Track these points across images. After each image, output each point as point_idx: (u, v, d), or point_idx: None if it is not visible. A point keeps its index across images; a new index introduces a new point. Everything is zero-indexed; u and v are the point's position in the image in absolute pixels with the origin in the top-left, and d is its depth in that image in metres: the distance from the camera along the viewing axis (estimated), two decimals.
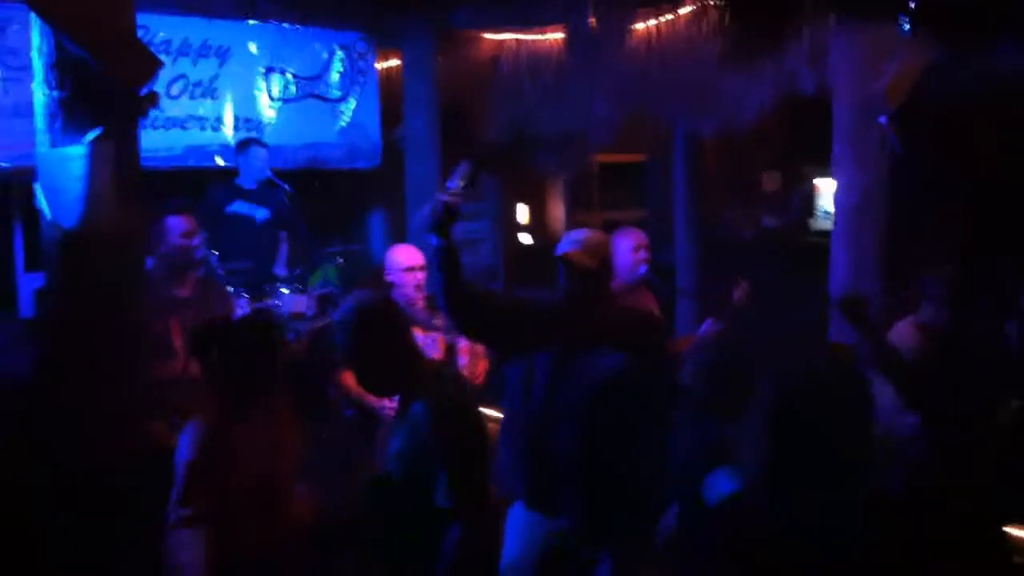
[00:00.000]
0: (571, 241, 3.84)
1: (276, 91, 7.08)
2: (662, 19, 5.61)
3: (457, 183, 3.55)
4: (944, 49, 4.86)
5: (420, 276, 5.18)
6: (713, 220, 8.99)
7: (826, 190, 8.84)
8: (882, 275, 5.44)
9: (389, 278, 5.26)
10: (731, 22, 5.06)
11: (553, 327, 3.74)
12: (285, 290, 6.14)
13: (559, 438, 3.59)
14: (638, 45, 5.84)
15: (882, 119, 5.17)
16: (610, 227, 6.11)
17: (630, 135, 7.35)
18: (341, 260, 7.15)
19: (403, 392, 3.16)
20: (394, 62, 7.50)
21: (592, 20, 4.94)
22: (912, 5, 4.56)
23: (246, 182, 6.55)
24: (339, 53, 7.27)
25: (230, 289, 5.54)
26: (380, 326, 3.13)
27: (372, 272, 5.24)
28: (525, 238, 9.18)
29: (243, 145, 6.59)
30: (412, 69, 6.93)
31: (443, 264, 3.56)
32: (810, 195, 9.28)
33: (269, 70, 7.03)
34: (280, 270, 6.70)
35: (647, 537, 3.78)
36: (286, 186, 6.48)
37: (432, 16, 6.64)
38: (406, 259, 5.27)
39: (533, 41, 6.54)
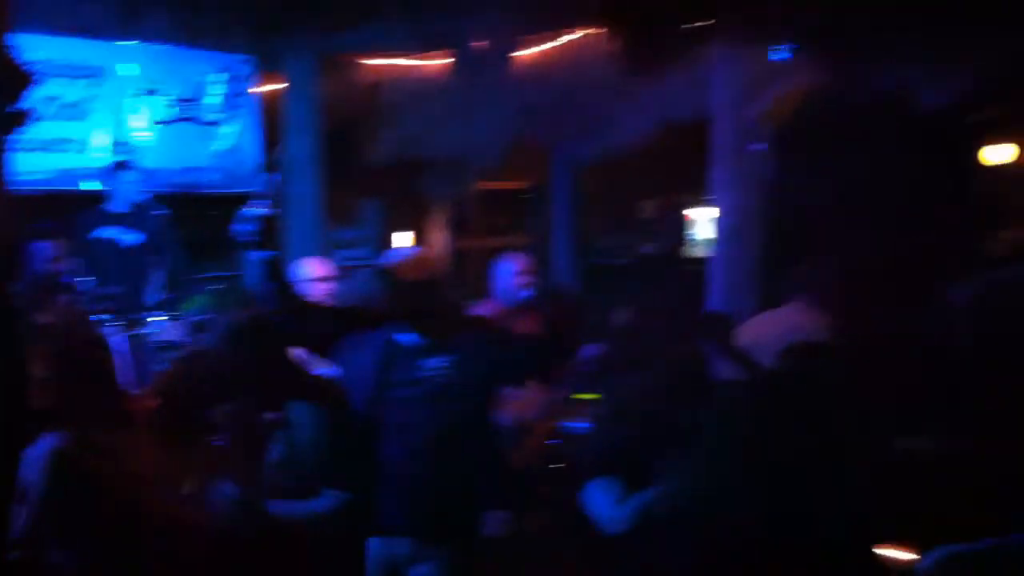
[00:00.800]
0: (394, 256, 3.98)
1: (153, 113, 6.88)
2: (546, 45, 5.67)
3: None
4: (822, 75, 5.04)
5: (330, 286, 5.18)
6: (592, 246, 9.11)
7: (699, 218, 9.07)
8: (759, 296, 5.58)
9: (298, 289, 5.21)
10: (614, 48, 5.13)
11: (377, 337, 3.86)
12: (157, 317, 5.94)
13: (388, 449, 3.68)
14: (522, 71, 5.88)
15: (760, 144, 5.34)
16: (492, 253, 6.13)
17: (512, 161, 7.39)
18: (217, 287, 6.96)
19: (287, 403, 3.17)
20: (276, 86, 7.38)
21: (477, 46, 4.96)
22: (791, 33, 4.72)
23: (117, 206, 6.33)
24: (219, 76, 7.11)
25: (99, 316, 5.35)
26: (260, 342, 3.13)
27: (248, 297, 5.15)
28: None
29: (115, 168, 6.38)
30: (294, 92, 6.83)
31: (272, 275, 3.79)
32: (683, 223, 9.50)
33: (146, 92, 6.83)
34: (152, 296, 6.48)
35: (475, 539, 3.91)
36: (161, 210, 6.29)
37: (315, 40, 6.56)
38: (314, 270, 5.23)
39: (417, 66, 6.53)
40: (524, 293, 5.76)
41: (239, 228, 3.78)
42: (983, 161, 11.02)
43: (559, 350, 4.08)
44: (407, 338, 3.87)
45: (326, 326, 3.96)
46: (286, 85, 6.92)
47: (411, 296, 3.87)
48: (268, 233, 3.79)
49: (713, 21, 4.51)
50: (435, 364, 3.85)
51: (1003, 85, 5.86)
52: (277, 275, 3.86)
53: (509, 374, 4.09)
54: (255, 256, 3.79)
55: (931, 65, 4.83)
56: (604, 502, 3.52)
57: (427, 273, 3.97)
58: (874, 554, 2.99)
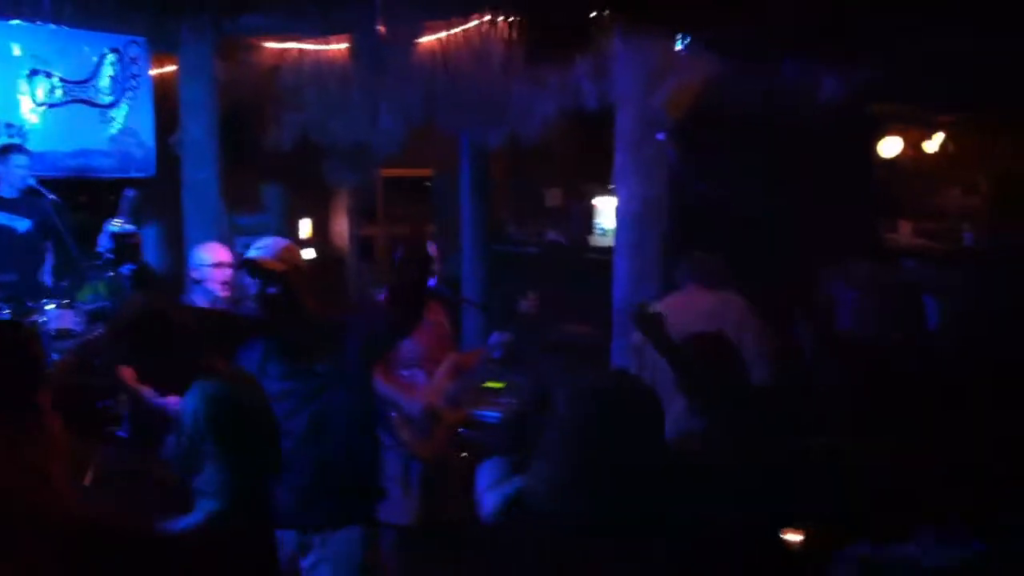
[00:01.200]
0: (258, 248, 3.95)
1: (41, 95, 6.61)
2: (450, 32, 5.62)
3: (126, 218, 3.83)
4: (722, 66, 5.11)
5: (227, 272, 5.08)
6: (499, 233, 9.10)
7: (604, 208, 9.14)
8: (664, 284, 5.64)
9: (195, 275, 5.10)
10: (518, 36, 5.12)
11: (250, 333, 3.90)
12: (51, 305, 5.74)
13: None
14: (425, 57, 5.83)
15: (661, 134, 5.39)
16: (396, 241, 6.08)
17: (418, 148, 7.33)
18: (112, 273, 6.75)
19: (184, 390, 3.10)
20: (170, 68, 7.18)
21: (379, 30, 4.89)
22: (691, 24, 4.77)
23: (5, 191, 6.10)
24: (110, 57, 6.87)
25: None
26: (160, 326, 3.06)
27: (147, 283, 5.01)
28: (308, 252, 8.97)
29: (2, 152, 6.14)
30: (190, 73, 6.64)
31: (140, 284, 3.86)
32: (589, 212, 9.56)
33: (33, 73, 6.57)
34: (46, 284, 6.27)
35: (364, 528, 3.92)
36: (51, 195, 6.07)
37: (212, 21, 6.39)
38: (213, 255, 5.12)
39: (317, 50, 6.41)
40: (430, 281, 5.74)
41: (102, 243, 3.80)
42: (880, 154, 11.37)
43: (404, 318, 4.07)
44: (282, 332, 3.87)
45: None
46: (183, 67, 6.74)
47: (280, 287, 3.87)
48: (130, 248, 3.83)
49: (615, 10, 4.52)
50: (308, 356, 3.85)
51: (897, 81, 6.02)
52: (143, 287, 3.89)
53: (374, 351, 4.10)
54: (123, 269, 3.81)
55: (830, 60, 4.95)
56: (483, 484, 3.49)
57: (292, 264, 3.96)
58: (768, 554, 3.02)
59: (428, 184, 9.62)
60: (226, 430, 2.97)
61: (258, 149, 6.66)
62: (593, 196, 9.44)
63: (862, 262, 4.40)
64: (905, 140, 11.59)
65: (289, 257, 3.99)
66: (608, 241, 7.09)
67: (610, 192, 7.42)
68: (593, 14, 4.64)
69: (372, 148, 6.41)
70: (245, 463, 3.00)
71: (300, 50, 6.33)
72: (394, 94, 5.92)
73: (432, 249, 5.86)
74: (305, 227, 9.18)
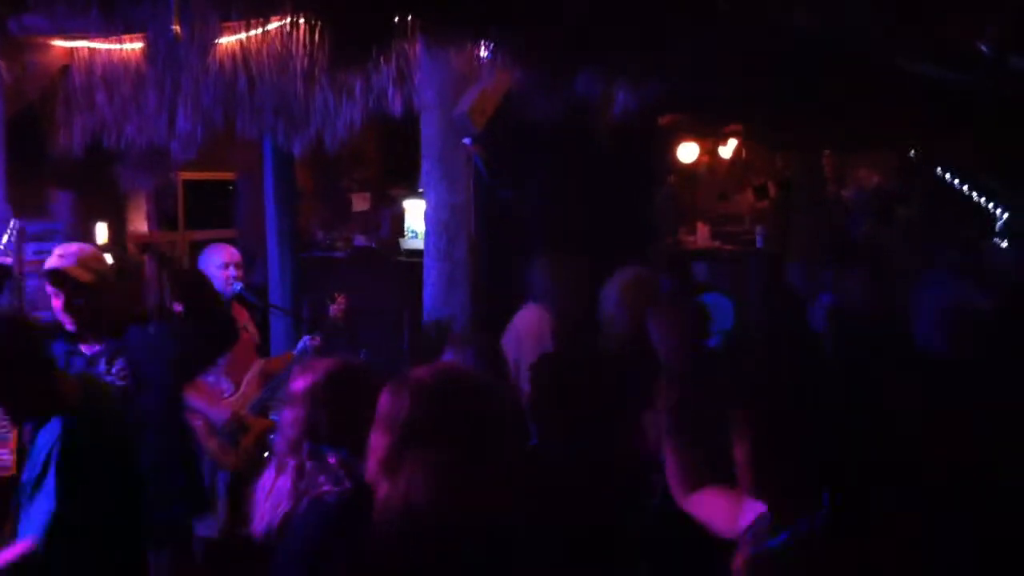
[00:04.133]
0: (61, 256, 3.82)
1: None
2: (251, 33, 5.50)
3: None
4: (524, 75, 5.21)
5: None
6: (305, 239, 8.98)
7: (414, 211, 9.15)
8: (474, 287, 5.72)
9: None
10: (320, 40, 5.07)
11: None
12: None
13: None
14: (225, 59, 5.68)
15: (467, 140, 5.46)
16: (197, 247, 5.91)
17: (219, 152, 7.13)
18: None
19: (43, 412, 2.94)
20: None
21: (175, 30, 4.73)
22: (494, 31, 4.85)
23: None
24: None
25: None
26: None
27: None
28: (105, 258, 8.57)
29: None
30: None
31: None
32: (400, 215, 9.55)
33: None
34: None
35: (172, 540, 3.84)
36: None
37: None
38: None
39: (109, 50, 6.14)
40: (234, 286, 5.62)
41: None
42: (674, 162, 11.88)
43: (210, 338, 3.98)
44: (82, 342, 3.73)
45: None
46: None
47: (81, 296, 3.73)
48: None
49: (417, 15, 4.54)
50: (113, 367, 3.72)
51: (686, 93, 6.30)
52: None
53: (186, 369, 4.00)
54: None
55: (624, 73, 5.14)
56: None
57: (99, 274, 3.82)
58: None
59: (231, 188, 9.37)
60: (77, 467, 2.83)
61: (47, 153, 6.32)
62: (403, 200, 9.44)
63: (634, 267, 4.56)
64: (701, 148, 12.15)
65: (96, 266, 3.84)
66: (419, 244, 7.10)
67: (420, 195, 7.44)
68: (396, 19, 4.65)
69: (168, 151, 6.20)
70: (89, 499, 2.86)
71: (91, 50, 6.04)
72: (191, 96, 5.75)
73: (235, 255, 5.76)
74: (101, 232, 8.79)
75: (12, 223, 4.19)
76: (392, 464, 2.33)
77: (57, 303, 3.82)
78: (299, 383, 2.79)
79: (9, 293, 4.73)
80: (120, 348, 3.82)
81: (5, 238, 4.08)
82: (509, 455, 2.45)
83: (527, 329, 4.87)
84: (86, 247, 3.92)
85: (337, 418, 2.80)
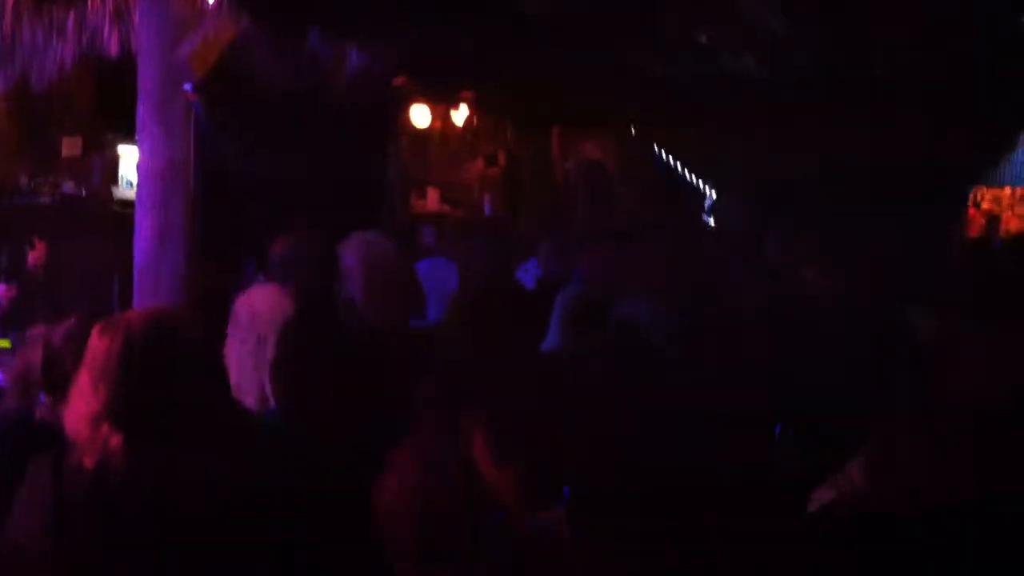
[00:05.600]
0: None
1: None
2: None
3: None
4: (252, 27, 5.04)
5: None
6: (9, 185, 8.33)
7: (130, 159, 8.66)
8: (189, 245, 5.47)
9: None
10: None
11: None
12: None
13: None
14: None
15: (187, 87, 5.19)
16: None
17: None
18: None
19: None
20: None
21: None
22: None
23: None
24: None
25: None
26: None
27: None
28: None
29: None
30: None
31: None
32: (113, 162, 9.02)
33: None
34: None
35: None
36: None
37: None
38: None
39: None
40: None
41: None
42: (411, 125, 11.88)
43: None
44: None
45: None
46: None
47: None
48: None
49: None
50: None
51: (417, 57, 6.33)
52: None
53: None
54: None
55: (356, 32, 5.07)
56: None
57: None
58: None
59: None
60: None
61: None
62: (117, 146, 8.91)
63: (365, 232, 4.55)
64: (433, 113, 12.22)
65: None
66: (133, 194, 6.72)
67: (136, 142, 7.05)
68: None
69: None
70: None
71: None
72: None
73: None
74: None
75: None
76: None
77: None
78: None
79: None
80: None
81: None
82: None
83: (267, 309, 4.71)
84: None
85: None
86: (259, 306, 4.85)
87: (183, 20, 5.14)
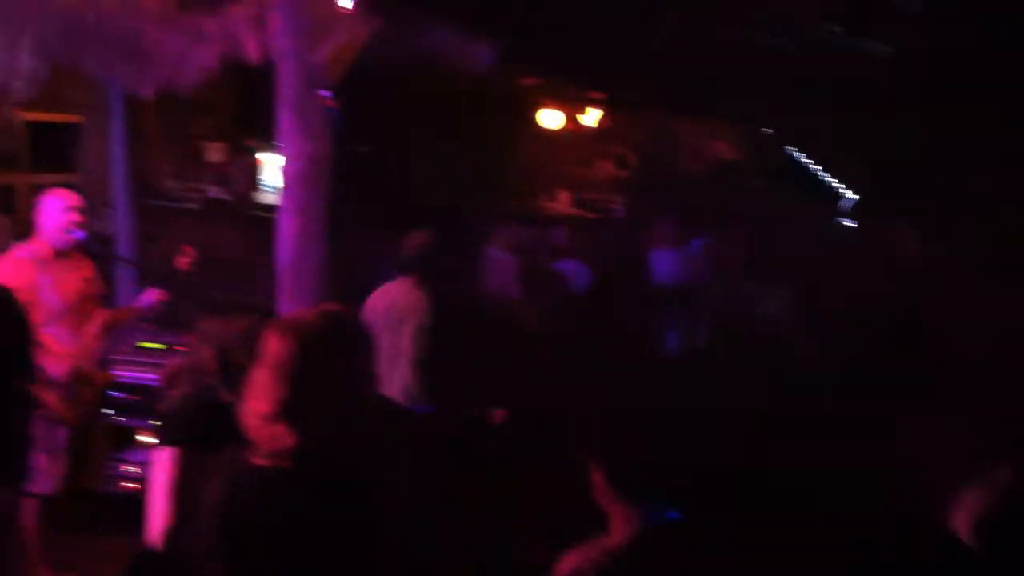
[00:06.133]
0: None
1: None
2: None
3: None
4: (383, 25, 5.12)
5: None
6: (155, 188, 8.69)
7: (270, 164, 8.95)
8: (328, 244, 5.62)
9: None
10: None
11: None
12: None
13: None
14: None
15: (324, 90, 5.33)
16: (39, 190, 5.64)
17: (62, 92, 6.81)
18: None
19: None
20: None
21: None
22: None
23: None
24: None
25: None
26: None
27: None
28: None
29: None
30: None
31: None
32: (254, 168, 9.33)
33: None
34: None
35: None
36: None
37: None
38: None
39: None
40: (75, 233, 5.38)
41: None
42: (537, 125, 11.93)
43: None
44: None
45: None
46: None
47: None
48: None
49: None
50: None
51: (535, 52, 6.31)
52: None
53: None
54: None
55: (485, 28, 5.10)
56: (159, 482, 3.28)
57: None
58: None
59: (79, 130, 8.98)
60: None
61: None
62: (257, 152, 9.22)
63: (511, 225, 4.61)
64: (563, 113, 12.24)
65: None
66: (272, 198, 6.94)
67: (273, 148, 7.28)
68: None
69: (4, 87, 5.87)
70: None
71: None
72: (30, 29, 5.43)
73: (78, 200, 5.51)
74: None
75: None
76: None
77: None
78: None
79: None
80: None
81: None
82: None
83: (403, 303, 4.82)
84: None
85: None
86: (396, 300, 4.97)
87: (319, 24, 5.27)
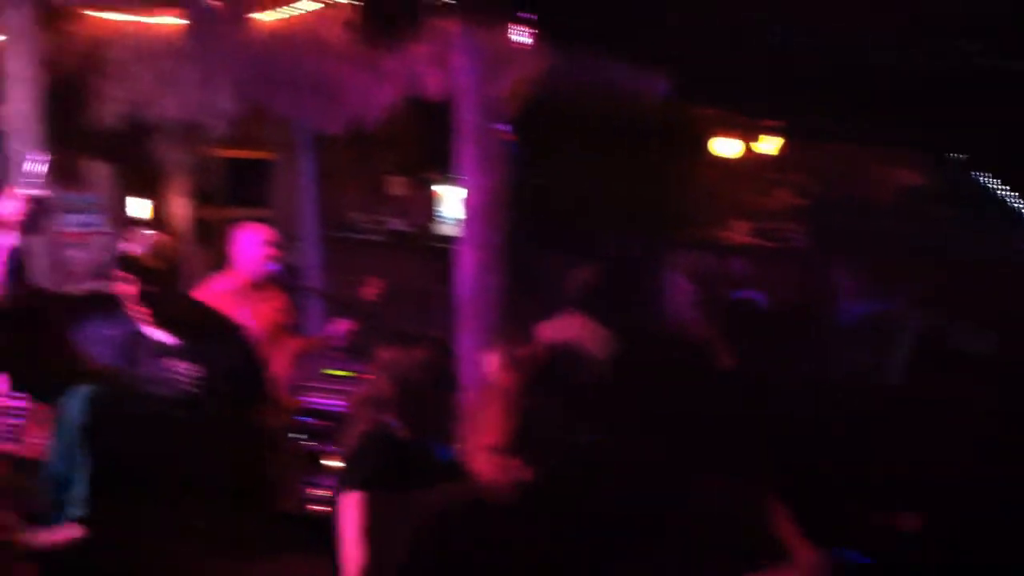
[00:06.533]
0: (136, 240, 3.89)
1: None
2: (285, 10, 5.49)
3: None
4: (560, 57, 5.16)
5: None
6: (340, 221, 8.99)
7: (447, 196, 9.13)
8: (506, 276, 5.67)
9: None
10: (357, 18, 5.04)
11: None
12: None
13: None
14: (261, 36, 5.68)
15: (502, 124, 5.41)
16: (234, 224, 5.91)
17: (257, 131, 7.14)
18: None
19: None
20: None
21: (211, 5, 4.73)
22: (531, 14, 4.82)
23: None
24: None
25: None
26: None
27: None
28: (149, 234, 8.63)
29: None
30: (13, 45, 6.28)
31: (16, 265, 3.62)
32: (432, 199, 9.54)
33: None
34: None
35: None
36: None
37: None
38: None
39: (145, 23, 6.16)
40: (270, 266, 5.60)
41: None
42: (712, 154, 11.76)
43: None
44: (153, 333, 3.75)
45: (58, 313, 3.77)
46: (7, 38, 6.37)
47: (154, 285, 3.77)
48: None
49: None
50: (184, 368, 3.73)
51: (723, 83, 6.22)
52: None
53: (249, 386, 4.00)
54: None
55: (658, 59, 5.07)
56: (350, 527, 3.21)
57: (167, 261, 3.86)
58: None
59: (270, 167, 9.42)
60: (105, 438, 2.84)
61: (83, 125, 6.35)
62: (435, 184, 9.43)
63: (693, 253, 4.54)
64: (739, 142, 12.03)
65: (165, 253, 3.90)
66: (450, 229, 7.08)
67: (451, 180, 7.42)
68: None
69: (202, 127, 6.21)
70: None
71: (127, 22, 6.05)
72: (225, 72, 5.73)
73: (274, 234, 5.76)
74: (144, 208, 8.83)
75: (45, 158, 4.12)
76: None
77: (130, 290, 3.83)
78: None
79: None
80: (198, 352, 3.80)
81: (38, 168, 4.01)
82: None
83: (574, 338, 4.81)
84: (159, 235, 4.00)
85: None
86: (566, 334, 4.94)
87: (497, 60, 5.35)
